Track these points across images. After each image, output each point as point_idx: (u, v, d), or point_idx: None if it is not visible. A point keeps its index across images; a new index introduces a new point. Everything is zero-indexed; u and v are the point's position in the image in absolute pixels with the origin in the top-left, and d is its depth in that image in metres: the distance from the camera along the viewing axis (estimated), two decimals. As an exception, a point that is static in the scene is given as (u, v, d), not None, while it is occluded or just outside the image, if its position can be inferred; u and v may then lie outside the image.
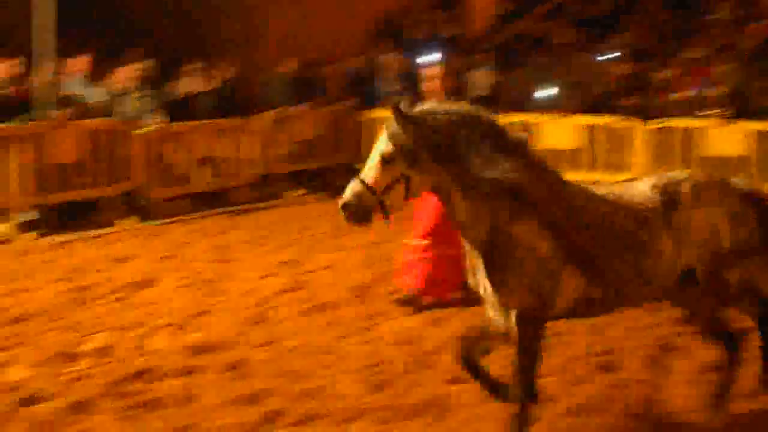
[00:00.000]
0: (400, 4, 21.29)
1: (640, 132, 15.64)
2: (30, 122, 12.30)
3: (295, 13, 19.15)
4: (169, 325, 8.08)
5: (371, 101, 16.86)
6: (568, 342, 7.65)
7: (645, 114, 16.62)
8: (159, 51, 15.58)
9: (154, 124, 13.82)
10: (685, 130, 15.06)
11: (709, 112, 17.20)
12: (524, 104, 18.24)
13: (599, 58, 20.08)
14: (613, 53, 20.22)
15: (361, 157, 16.03)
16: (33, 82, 12.64)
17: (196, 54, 15.83)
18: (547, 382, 6.66)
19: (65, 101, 13.03)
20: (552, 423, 6.00)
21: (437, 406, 6.23)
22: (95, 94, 13.68)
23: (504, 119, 13.84)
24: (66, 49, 13.55)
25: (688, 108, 17.55)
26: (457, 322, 8.19)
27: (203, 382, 6.73)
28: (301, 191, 15.54)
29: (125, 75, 13.97)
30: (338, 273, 10.00)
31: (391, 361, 7.19)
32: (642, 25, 21.75)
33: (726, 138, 14.97)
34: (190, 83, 15.19)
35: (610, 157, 15.75)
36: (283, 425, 6.00)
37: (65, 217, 12.90)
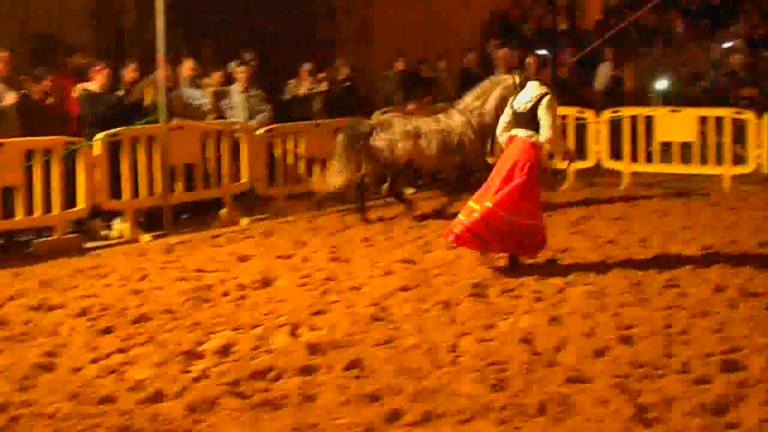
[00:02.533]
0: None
1: (755, 124, 15.24)
2: (150, 125, 12.53)
3: (406, 11, 19.18)
4: (288, 324, 8.11)
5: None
6: (688, 340, 7.51)
7: (763, 105, 16.22)
8: (273, 52, 15.74)
9: (263, 124, 13.97)
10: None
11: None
12: (642, 97, 17.98)
13: (716, 48, 19.68)
14: (729, 43, 19.80)
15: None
16: (150, 86, 12.85)
17: (310, 54, 15.94)
18: (669, 381, 6.58)
19: (180, 104, 13.26)
20: (679, 423, 5.87)
21: (558, 406, 6.15)
22: (203, 97, 13.90)
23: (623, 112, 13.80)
24: (180, 52, 13.80)
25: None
26: (576, 320, 8.12)
27: (323, 381, 6.74)
28: (413, 189, 15.52)
29: (240, 75, 14.16)
30: (455, 271, 9.95)
31: (510, 359, 7.12)
32: (759, 13, 21.23)
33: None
34: (304, 83, 15.30)
35: (725, 150, 15.40)
36: (402, 424, 5.97)
37: (183, 218, 13.15)
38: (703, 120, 15.63)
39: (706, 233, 11.69)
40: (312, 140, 14.35)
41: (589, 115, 16.05)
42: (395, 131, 13.21)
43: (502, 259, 10.13)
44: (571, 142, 15.90)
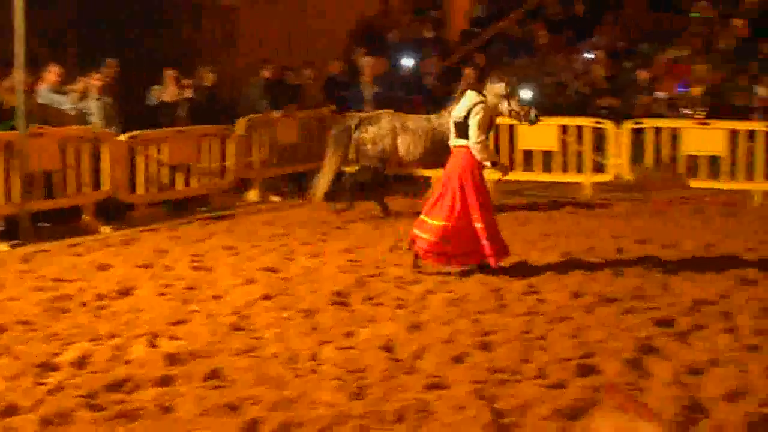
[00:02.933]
0: (379, 7, 21.29)
1: (614, 133, 15.61)
2: (8, 131, 12.22)
3: (272, 19, 19.11)
4: (148, 334, 7.99)
5: (351, 105, 16.85)
6: (545, 346, 7.65)
7: (624, 114, 16.65)
8: (137, 58, 15.52)
9: (122, 131, 13.77)
10: (658, 129, 15.05)
11: (687, 112, 17.29)
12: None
13: (578, 59, 20.14)
14: (592, 54, 20.28)
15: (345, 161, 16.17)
16: (8, 92, 12.54)
17: (174, 61, 15.77)
18: (526, 386, 6.68)
19: (40, 110, 12.97)
20: (534, 428, 5.96)
21: (416, 413, 6.19)
22: (67, 102, 13.63)
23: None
24: (41, 57, 13.49)
25: (668, 108, 17.63)
26: (436, 326, 8.19)
27: (181, 392, 6.65)
28: (279, 197, 15.49)
29: (95, 82, 13.89)
30: (318, 279, 9.95)
31: (370, 367, 7.15)
32: (621, 25, 21.79)
33: (701, 137, 15.00)
34: (169, 90, 15.12)
35: (586, 159, 15.73)
36: (262, 434, 5.95)
37: (40, 226, 12.83)
38: (565, 129, 15.94)
39: (566, 240, 11.93)
40: (175, 147, 14.19)
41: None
42: (382, 126, 13.42)
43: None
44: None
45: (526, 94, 18.50)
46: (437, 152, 13.00)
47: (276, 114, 15.91)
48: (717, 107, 17.06)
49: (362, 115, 14.05)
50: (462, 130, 10.05)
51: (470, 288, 9.50)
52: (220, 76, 16.29)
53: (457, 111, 10.15)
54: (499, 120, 15.68)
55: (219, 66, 16.73)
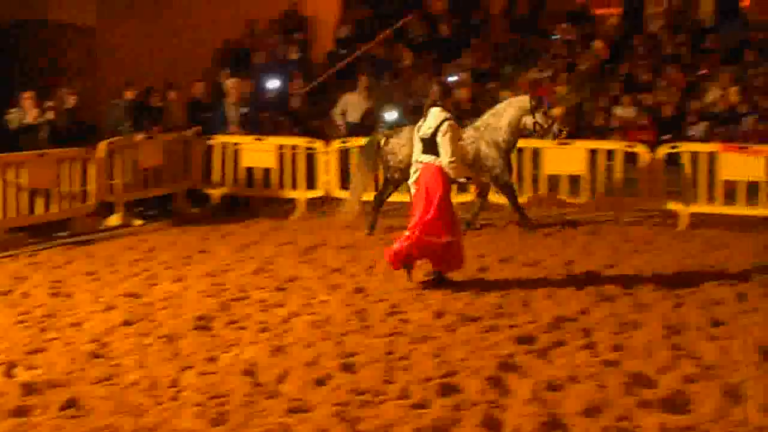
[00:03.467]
0: (244, 28, 21.21)
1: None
2: None
3: (135, 40, 18.89)
4: (4, 363, 7.79)
5: (216, 126, 16.73)
6: (408, 366, 7.68)
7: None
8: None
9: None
10: (519, 150, 15.29)
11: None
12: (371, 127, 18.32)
13: (443, 80, 20.33)
14: (456, 76, 20.53)
15: (210, 183, 16.04)
16: None
17: (34, 83, 15.46)
18: (388, 407, 6.70)
19: None
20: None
21: (277, 437, 6.15)
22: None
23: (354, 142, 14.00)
24: None
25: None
26: (299, 349, 8.16)
27: (37, 423, 6.51)
28: (142, 221, 15.26)
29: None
30: (180, 303, 9.82)
31: (232, 392, 7.08)
32: (484, 47, 22.11)
33: (561, 157, 15.27)
34: (30, 112, 14.79)
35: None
36: (119, 464, 5.84)
37: None
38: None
39: (430, 260, 12.00)
40: (35, 171, 13.85)
41: (318, 145, 16.22)
42: (402, 136, 13.38)
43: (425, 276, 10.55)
44: (301, 172, 16.05)
45: (390, 115, 18.70)
46: (469, 168, 12.98)
47: (139, 136, 15.69)
48: (578, 127, 17.44)
49: (389, 131, 14.09)
50: (429, 146, 10.16)
51: (334, 310, 9.49)
52: (81, 98, 16.01)
53: (424, 128, 10.23)
54: (363, 141, 15.90)
55: (80, 88, 16.45)
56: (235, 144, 16.48)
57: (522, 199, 14.60)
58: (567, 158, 15.22)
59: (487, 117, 14.03)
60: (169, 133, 16.41)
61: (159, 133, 16.16)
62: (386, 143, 13.78)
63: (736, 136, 16.12)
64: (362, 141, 14.97)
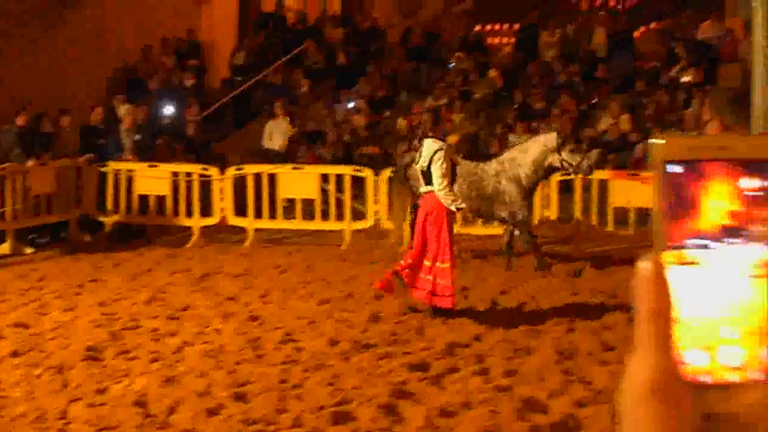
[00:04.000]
0: (139, 54, 21.00)
1: (373, 181, 15.79)
2: None
3: (27, 65, 18.58)
4: None
5: (111, 153, 16.52)
6: (301, 394, 7.65)
7: (382, 163, 16.93)
8: None
9: None
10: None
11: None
12: (266, 154, 18.32)
13: (339, 108, 20.45)
14: (353, 103, 20.63)
15: (104, 210, 15.82)
16: None
17: None
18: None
19: None
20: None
21: (168, 469, 6.06)
22: None
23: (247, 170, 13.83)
24: None
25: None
26: (192, 379, 8.07)
27: None
28: (33, 249, 14.98)
29: None
30: (70, 333, 9.64)
31: (122, 423, 6.98)
32: (381, 75, 22.25)
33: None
34: None
35: (346, 207, 15.90)
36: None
37: None
38: (325, 177, 16.10)
39: (325, 287, 11.99)
40: None
41: (214, 172, 16.12)
42: (426, 150, 12.97)
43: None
44: (196, 199, 15.93)
45: (273, 141, 18.68)
46: (478, 199, 12.96)
47: (30, 162, 15.42)
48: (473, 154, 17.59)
49: (415, 154, 13.81)
50: (427, 177, 10.36)
51: (227, 339, 9.41)
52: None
53: (421, 160, 10.42)
54: (261, 168, 15.85)
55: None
56: (129, 171, 16.29)
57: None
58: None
59: (513, 152, 13.79)
60: (62, 159, 16.16)
61: (51, 160, 15.90)
62: (411, 168, 13.49)
63: (628, 164, 16.45)
64: (261, 168, 14.94)
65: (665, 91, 19.01)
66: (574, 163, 12.65)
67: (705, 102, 14.03)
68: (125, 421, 7.03)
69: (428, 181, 10.41)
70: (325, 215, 15.99)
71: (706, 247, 0.95)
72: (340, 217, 15.91)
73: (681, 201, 0.95)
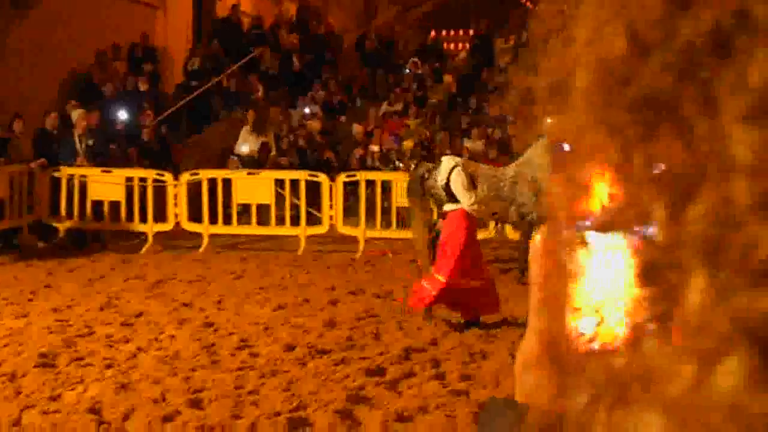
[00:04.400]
0: (93, 58, 20.85)
1: (328, 186, 15.73)
2: None
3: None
4: None
5: (64, 158, 16.38)
6: (257, 400, 7.62)
7: (337, 168, 16.95)
8: None
9: None
10: (370, 182, 15.34)
11: (400, 165, 17.77)
12: (220, 159, 18.30)
13: (295, 113, 20.43)
14: (308, 108, 20.62)
15: (57, 216, 15.67)
16: None
17: None
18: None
19: None
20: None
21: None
22: None
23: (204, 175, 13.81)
24: None
25: (381, 161, 18.11)
26: (146, 386, 8.01)
27: None
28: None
29: None
30: (23, 340, 9.53)
31: (77, 430, 6.91)
32: (337, 80, 22.27)
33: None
34: None
35: (301, 211, 15.87)
36: None
37: None
38: (280, 182, 16.05)
39: (280, 293, 11.97)
40: None
41: (168, 177, 16.04)
42: (443, 169, 12.82)
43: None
44: (150, 204, 15.83)
45: (245, 147, 18.67)
46: (497, 202, 12.75)
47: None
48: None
49: (430, 164, 13.66)
50: (448, 194, 10.43)
51: (182, 345, 9.34)
52: None
53: (440, 178, 10.53)
54: (216, 173, 15.79)
55: None
56: (83, 176, 16.16)
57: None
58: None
59: (530, 153, 13.71)
60: (14, 164, 16.00)
61: (3, 165, 15.74)
62: (429, 177, 13.29)
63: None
64: (216, 173, 14.87)
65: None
66: None
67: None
68: (79, 428, 6.97)
69: (449, 199, 10.51)
70: (280, 220, 15.96)
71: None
72: (294, 222, 15.88)
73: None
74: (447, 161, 10.65)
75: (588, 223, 0.81)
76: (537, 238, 0.96)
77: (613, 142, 0.72)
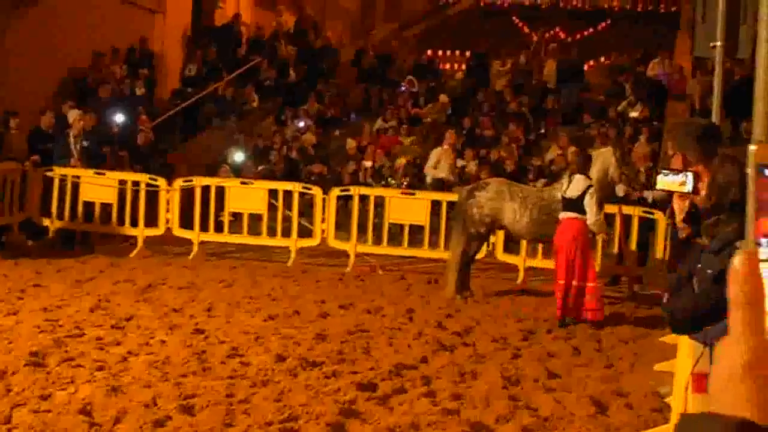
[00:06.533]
0: (90, 60, 20.82)
1: (321, 199, 15.69)
2: None
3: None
4: None
5: (57, 158, 16.33)
6: (248, 409, 7.60)
7: (331, 181, 16.96)
8: None
9: None
10: (364, 197, 15.36)
11: (392, 181, 17.84)
12: (213, 167, 18.29)
13: (290, 126, 20.45)
14: (302, 121, 20.64)
15: (47, 216, 15.60)
16: None
17: None
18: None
19: None
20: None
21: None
22: None
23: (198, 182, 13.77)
24: None
25: (374, 177, 18.14)
26: (137, 390, 7.98)
27: None
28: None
29: None
30: (13, 338, 9.49)
31: (68, 430, 6.87)
32: (332, 94, 22.30)
33: (405, 206, 15.47)
34: None
35: (293, 223, 15.86)
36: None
37: None
38: (273, 193, 16.02)
39: (271, 303, 11.96)
40: None
41: (161, 182, 16.01)
42: (489, 190, 13.04)
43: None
44: (142, 208, 15.80)
45: (238, 156, 18.68)
46: (544, 224, 12.51)
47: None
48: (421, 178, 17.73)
49: (471, 186, 13.64)
50: (572, 205, 11.62)
51: (173, 351, 9.32)
52: None
53: (570, 191, 11.66)
54: (210, 181, 15.76)
55: None
56: (75, 177, 16.11)
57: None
58: (411, 208, 15.42)
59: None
60: (7, 162, 15.94)
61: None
62: (472, 196, 13.18)
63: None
64: (210, 180, 14.84)
65: (613, 124, 19.25)
66: (632, 176, 12.91)
67: (668, 137, 14.20)
68: (70, 429, 6.93)
69: (571, 209, 11.62)
70: (272, 231, 15.94)
71: None
72: (286, 233, 15.85)
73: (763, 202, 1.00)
74: (583, 180, 11.67)
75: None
76: (735, 260, 0.99)
77: None
